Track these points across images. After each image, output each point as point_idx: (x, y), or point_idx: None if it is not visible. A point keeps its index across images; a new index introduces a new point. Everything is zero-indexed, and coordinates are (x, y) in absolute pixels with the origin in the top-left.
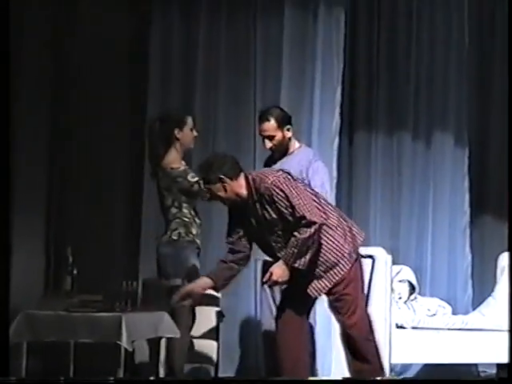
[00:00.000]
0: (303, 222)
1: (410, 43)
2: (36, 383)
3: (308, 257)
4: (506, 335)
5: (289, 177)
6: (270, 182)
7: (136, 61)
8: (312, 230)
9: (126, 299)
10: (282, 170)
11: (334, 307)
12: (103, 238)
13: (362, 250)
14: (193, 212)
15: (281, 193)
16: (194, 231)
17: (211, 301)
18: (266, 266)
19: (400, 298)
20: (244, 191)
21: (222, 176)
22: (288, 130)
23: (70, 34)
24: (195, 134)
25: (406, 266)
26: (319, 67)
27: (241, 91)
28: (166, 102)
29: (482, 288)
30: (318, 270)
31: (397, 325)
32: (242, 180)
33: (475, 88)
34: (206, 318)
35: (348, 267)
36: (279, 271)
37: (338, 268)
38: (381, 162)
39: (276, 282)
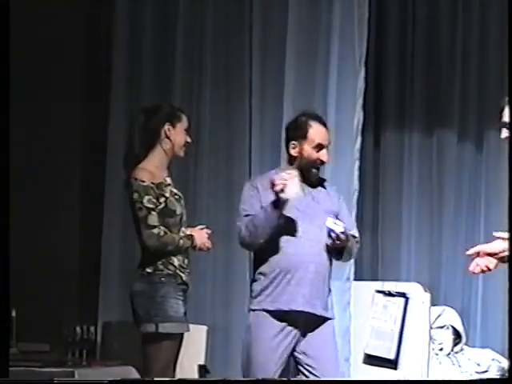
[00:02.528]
0: None
1: (456, 17)
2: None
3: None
4: None
5: None
6: None
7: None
8: None
9: (81, 349)
10: None
11: None
12: (50, 267)
13: (392, 286)
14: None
15: None
16: (177, 262)
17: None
18: None
19: (441, 350)
20: None
21: None
22: None
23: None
24: (189, 139)
25: (450, 308)
26: (335, 45)
27: (233, 85)
28: (135, 99)
29: None
30: None
31: None
32: None
33: None
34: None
35: None
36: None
37: None
38: (416, 169)
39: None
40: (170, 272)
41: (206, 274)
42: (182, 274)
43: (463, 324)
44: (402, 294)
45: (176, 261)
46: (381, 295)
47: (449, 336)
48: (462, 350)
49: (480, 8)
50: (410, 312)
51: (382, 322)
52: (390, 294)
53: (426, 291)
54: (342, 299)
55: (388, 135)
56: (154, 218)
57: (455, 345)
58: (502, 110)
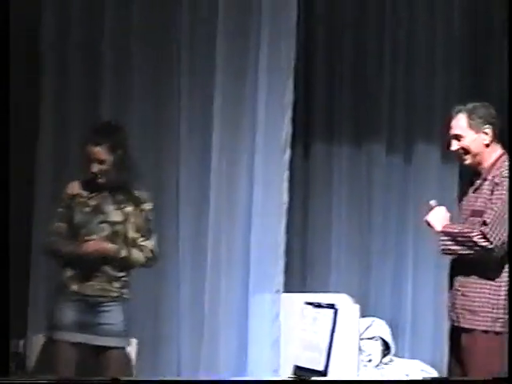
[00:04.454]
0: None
1: (384, 24)
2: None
3: (453, 249)
4: None
5: None
6: None
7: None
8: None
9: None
10: None
11: None
12: None
13: (321, 298)
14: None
15: None
16: (69, 272)
17: None
18: None
19: (370, 361)
20: None
21: None
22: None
23: None
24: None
25: (379, 319)
26: (264, 58)
27: (162, 90)
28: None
29: None
30: None
31: None
32: None
33: (468, 86)
34: None
35: None
36: (438, 218)
37: None
38: (346, 180)
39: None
40: (62, 281)
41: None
42: (72, 285)
43: (392, 335)
44: (331, 306)
45: (68, 271)
46: (310, 307)
47: (378, 347)
48: (391, 360)
49: (408, 20)
50: (339, 323)
51: (311, 333)
52: (319, 306)
53: (355, 303)
54: (271, 311)
55: (317, 147)
56: (53, 226)
57: (384, 356)
58: (449, 121)
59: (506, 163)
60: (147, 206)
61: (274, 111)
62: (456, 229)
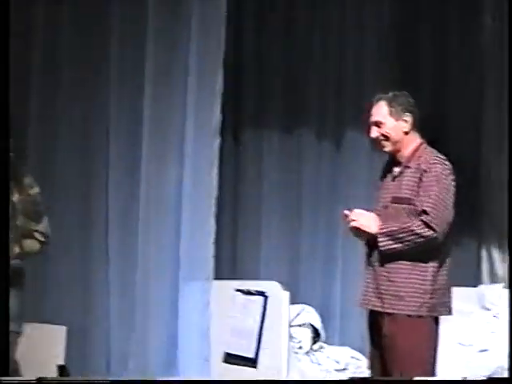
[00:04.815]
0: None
1: (314, 12)
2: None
3: (394, 246)
4: None
5: None
6: None
7: None
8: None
9: None
10: None
11: None
12: None
13: (251, 285)
14: None
15: None
16: None
17: None
18: None
19: (300, 348)
20: None
21: None
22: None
23: None
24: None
25: (309, 307)
26: (194, 46)
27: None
28: None
29: None
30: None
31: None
32: None
33: (399, 69)
34: None
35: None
36: (370, 221)
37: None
38: (276, 168)
39: (356, 228)
40: None
41: (65, 275)
42: None
43: (322, 322)
44: (261, 293)
45: None
46: (240, 294)
47: (308, 334)
48: (321, 347)
49: (339, 8)
50: (269, 310)
51: (242, 320)
52: (249, 293)
53: (285, 290)
54: (201, 299)
55: (247, 134)
56: None
57: (314, 343)
58: (370, 109)
59: (428, 150)
60: (33, 191)
61: (204, 98)
62: (394, 226)
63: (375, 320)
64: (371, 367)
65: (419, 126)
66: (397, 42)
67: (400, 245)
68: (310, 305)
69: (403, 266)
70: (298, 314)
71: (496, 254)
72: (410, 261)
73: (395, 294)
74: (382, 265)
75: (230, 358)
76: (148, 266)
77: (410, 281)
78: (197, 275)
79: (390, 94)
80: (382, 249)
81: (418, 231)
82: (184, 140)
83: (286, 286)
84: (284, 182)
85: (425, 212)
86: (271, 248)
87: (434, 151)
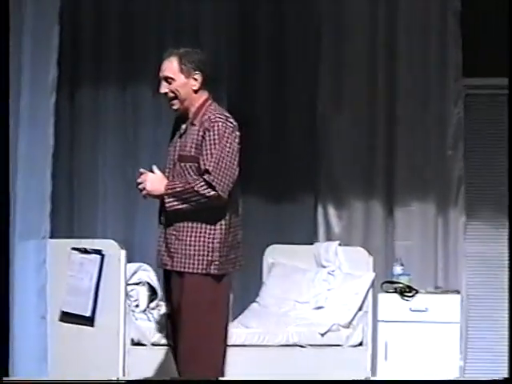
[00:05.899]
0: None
1: None
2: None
3: (180, 207)
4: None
5: None
6: None
7: None
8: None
9: None
10: None
11: None
12: None
13: (88, 244)
14: None
15: None
16: None
17: None
18: None
19: (137, 306)
20: None
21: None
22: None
23: None
24: None
25: (146, 265)
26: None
27: None
28: None
29: (245, 292)
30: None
31: (133, 341)
32: None
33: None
34: None
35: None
36: (156, 184)
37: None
38: (112, 125)
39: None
40: None
41: None
42: None
43: (159, 280)
44: (98, 251)
45: None
46: (77, 252)
47: (144, 292)
48: (157, 305)
49: None
50: (105, 269)
51: (79, 279)
52: (85, 252)
53: (121, 248)
54: (37, 257)
55: (83, 91)
56: None
57: (151, 301)
58: (161, 64)
59: (213, 108)
60: None
61: (39, 55)
62: (179, 187)
63: (168, 279)
64: (168, 329)
65: (211, 84)
66: None
67: (185, 205)
68: (147, 263)
69: (191, 224)
70: (135, 273)
71: (332, 211)
72: (197, 220)
73: (184, 252)
74: (171, 224)
75: (67, 317)
76: None
77: (198, 239)
78: (33, 233)
79: (183, 50)
80: (168, 209)
81: (202, 192)
82: (20, 96)
83: (123, 244)
84: (120, 138)
85: (207, 171)
86: (107, 206)
87: (219, 109)
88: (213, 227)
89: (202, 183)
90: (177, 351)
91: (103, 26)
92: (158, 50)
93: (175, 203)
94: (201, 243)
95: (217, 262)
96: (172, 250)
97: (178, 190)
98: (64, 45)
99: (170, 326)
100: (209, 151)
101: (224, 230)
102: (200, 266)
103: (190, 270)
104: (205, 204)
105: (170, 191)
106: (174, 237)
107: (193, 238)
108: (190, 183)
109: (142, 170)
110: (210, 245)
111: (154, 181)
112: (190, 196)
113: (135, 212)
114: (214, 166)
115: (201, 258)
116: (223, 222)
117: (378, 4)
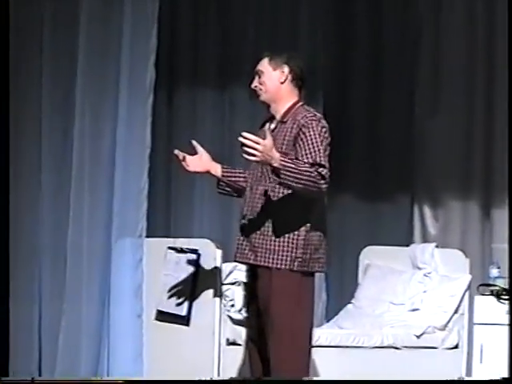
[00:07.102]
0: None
1: None
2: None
3: (290, 183)
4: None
5: None
6: None
7: None
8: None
9: None
10: None
11: None
12: None
13: (184, 243)
14: None
15: None
16: None
17: None
18: None
19: (233, 306)
20: None
21: None
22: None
23: None
24: None
25: (241, 265)
26: (129, 3)
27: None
28: None
29: (340, 293)
30: None
31: (228, 340)
32: None
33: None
34: None
35: None
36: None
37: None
38: (209, 127)
39: (254, 155)
40: None
41: None
42: None
43: None
44: (194, 251)
45: None
46: (173, 252)
47: (240, 292)
48: None
49: None
50: (201, 268)
51: (174, 278)
52: (182, 251)
53: (218, 248)
54: (134, 256)
55: (181, 92)
56: None
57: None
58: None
59: (306, 108)
60: None
61: (138, 56)
62: (293, 163)
63: (250, 274)
64: (249, 324)
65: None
66: None
67: (296, 184)
68: None
69: (276, 221)
70: (231, 272)
71: (428, 212)
72: (283, 217)
73: (268, 247)
74: (256, 219)
75: (163, 316)
76: (80, 224)
77: (284, 236)
78: (129, 232)
79: (280, 52)
80: (280, 180)
81: (317, 181)
82: (118, 97)
83: (219, 243)
84: (216, 140)
85: (320, 165)
86: (204, 206)
87: (311, 109)
88: (297, 226)
89: (316, 174)
90: (262, 349)
91: (201, 29)
92: (254, 51)
93: (289, 177)
94: (285, 240)
95: (300, 259)
96: (255, 245)
97: (293, 166)
98: (161, 47)
99: (256, 323)
100: (315, 145)
101: (309, 229)
102: (284, 262)
103: (273, 266)
104: (309, 193)
105: (283, 163)
106: (259, 232)
107: (277, 234)
108: (306, 167)
109: (193, 142)
110: (295, 241)
111: (267, 145)
112: (301, 179)
113: (232, 212)
114: (325, 161)
115: (285, 254)
116: (308, 221)
117: (476, 7)
